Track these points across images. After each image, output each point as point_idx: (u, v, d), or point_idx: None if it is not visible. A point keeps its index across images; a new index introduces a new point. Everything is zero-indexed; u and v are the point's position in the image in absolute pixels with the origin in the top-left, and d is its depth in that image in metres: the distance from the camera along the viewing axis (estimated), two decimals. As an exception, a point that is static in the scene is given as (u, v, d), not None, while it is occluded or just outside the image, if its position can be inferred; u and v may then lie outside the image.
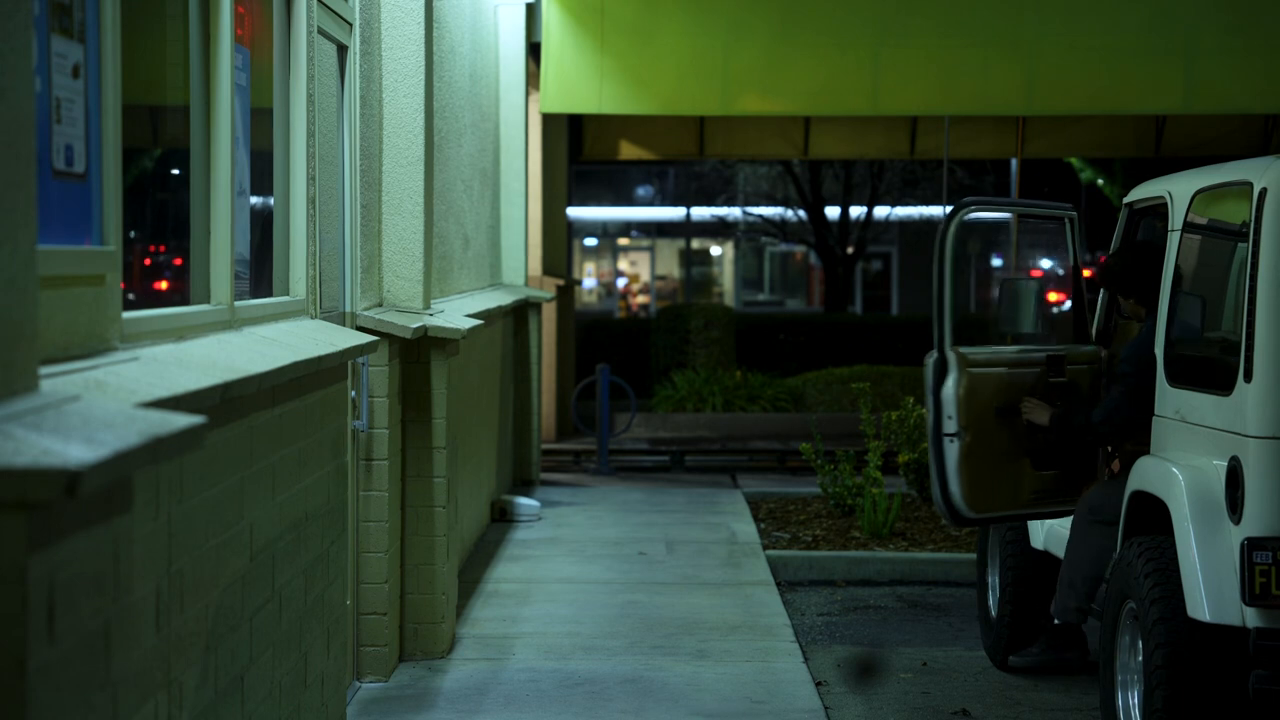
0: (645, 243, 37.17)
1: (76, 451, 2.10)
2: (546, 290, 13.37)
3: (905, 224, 31.34)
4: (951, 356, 5.91)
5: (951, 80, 11.14)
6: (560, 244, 15.81)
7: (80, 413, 2.34)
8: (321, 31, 5.49)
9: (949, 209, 6.26)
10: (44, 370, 2.59)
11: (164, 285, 4.37)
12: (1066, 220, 6.41)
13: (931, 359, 5.97)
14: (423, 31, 6.61)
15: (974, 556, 8.34)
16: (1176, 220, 5.62)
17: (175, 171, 4.29)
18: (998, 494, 6.00)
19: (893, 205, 27.24)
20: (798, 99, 11.55)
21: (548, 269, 14.31)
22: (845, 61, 11.12)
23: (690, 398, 15.76)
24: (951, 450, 5.86)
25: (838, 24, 11.14)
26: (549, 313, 14.08)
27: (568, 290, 15.55)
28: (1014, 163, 17.09)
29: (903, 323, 20.84)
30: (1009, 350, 6.21)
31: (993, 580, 7.10)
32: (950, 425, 5.86)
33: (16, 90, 2.29)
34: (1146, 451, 5.56)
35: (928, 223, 29.85)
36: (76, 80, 3.06)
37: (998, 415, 5.95)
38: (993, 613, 7.02)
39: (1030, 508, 6.12)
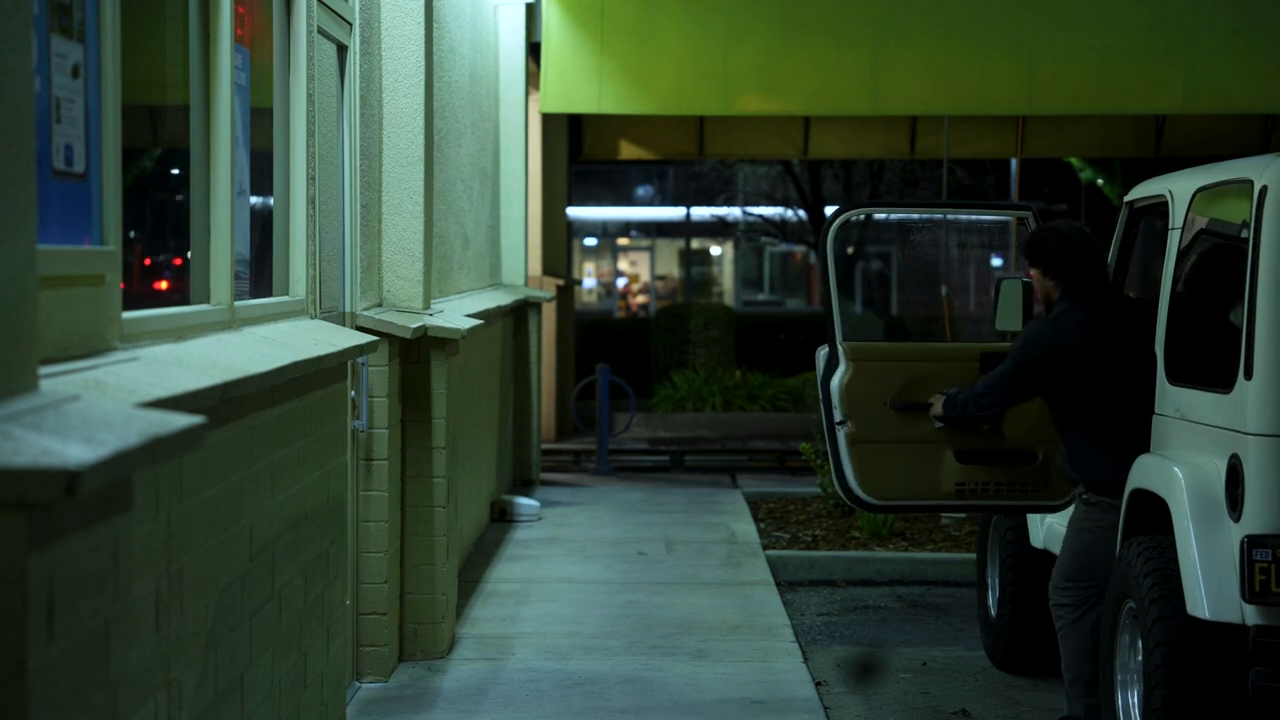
0: (645, 242, 37.18)
1: (76, 451, 2.10)
2: (546, 290, 13.37)
3: (905, 224, 31.33)
4: (841, 349, 6.16)
5: (951, 80, 11.14)
6: (560, 244, 15.81)
7: (80, 412, 2.33)
8: (321, 31, 5.49)
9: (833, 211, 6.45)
10: (44, 370, 2.59)
11: (164, 285, 4.37)
12: (1019, 221, 6.54)
13: (823, 352, 6.25)
14: (423, 31, 6.61)
15: (974, 556, 8.34)
16: (1177, 218, 5.62)
17: (175, 171, 4.29)
18: (899, 482, 6.17)
19: (893, 206, 27.22)
20: (797, 99, 11.55)
21: (547, 269, 14.31)
22: (845, 61, 11.12)
23: (690, 398, 15.76)
24: (841, 438, 6.12)
25: (837, 24, 11.14)
26: (549, 313, 14.08)
27: (567, 290, 15.55)
28: (1014, 162, 17.09)
29: (904, 321, 20.84)
30: (912, 345, 6.42)
31: (992, 580, 7.10)
32: (837, 414, 6.13)
33: (16, 90, 2.29)
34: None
35: (928, 223, 29.85)
36: (76, 80, 3.06)
37: (892, 407, 6.15)
38: (992, 612, 7.01)
39: (956, 499, 6.25)
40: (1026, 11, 11.06)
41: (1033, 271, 5.83)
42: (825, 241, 6.28)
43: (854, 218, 6.41)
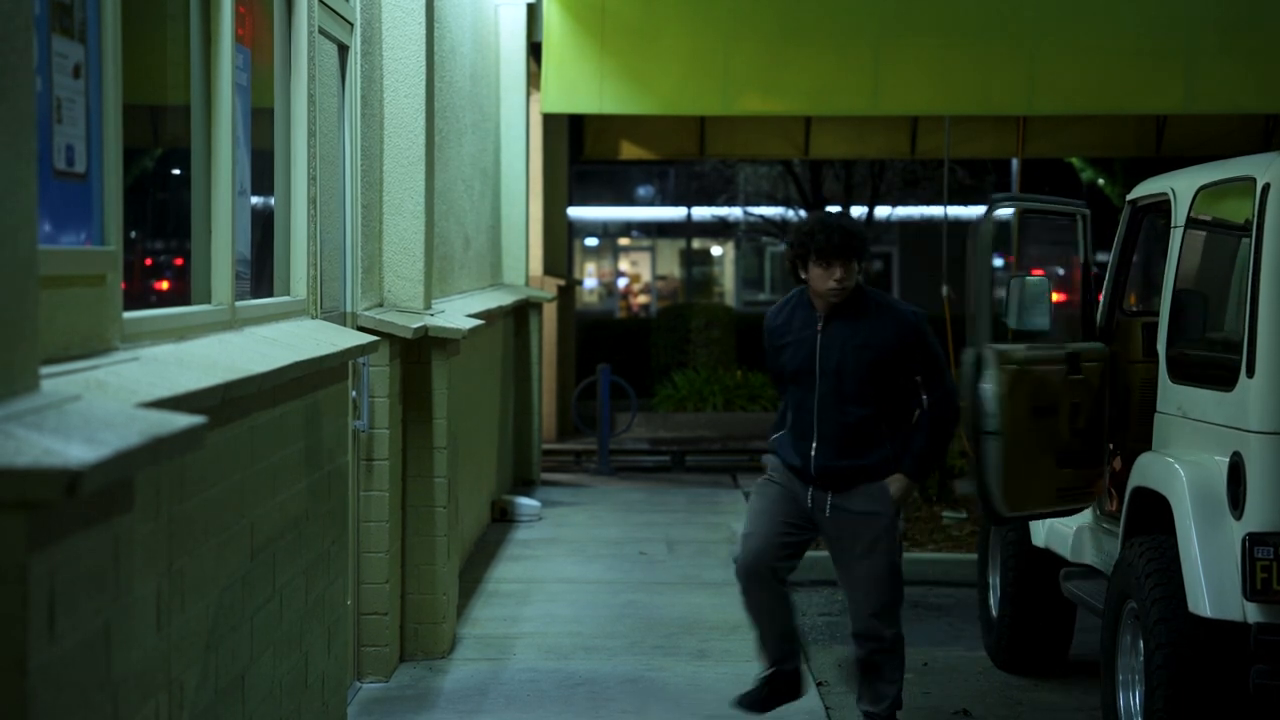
0: (646, 243, 37.17)
1: (77, 451, 2.09)
2: (547, 290, 13.37)
3: (906, 224, 31.33)
4: (989, 354, 5.76)
5: (952, 80, 11.14)
6: (561, 244, 15.81)
7: (81, 412, 2.33)
8: (322, 31, 5.49)
9: (985, 208, 6.18)
10: (45, 370, 2.59)
11: (165, 285, 4.37)
12: (1079, 217, 6.32)
13: (970, 355, 5.84)
14: (424, 31, 6.61)
15: (974, 556, 8.33)
16: (1179, 217, 5.62)
17: (176, 171, 4.29)
18: (1031, 492, 5.85)
19: (894, 205, 27.23)
20: (798, 99, 11.55)
21: (548, 269, 14.31)
22: (845, 61, 11.12)
23: (691, 397, 15.75)
24: (992, 449, 5.73)
25: (838, 24, 11.14)
26: (549, 313, 14.07)
27: (568, 290, 15.55)
28: (1015, 163, 17.09)
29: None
30: (1041, 348, 6.03)
31: (993, 580, 7.10)
32: (990, 424, 5.72)
33: (17, 90, 2.29)
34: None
35: (929, 223, 29.84)
36: (77, 80, 3.06)
37: (1033, 413, 5.82)
38: (993, 612, 7.01)
39: (1056, 505, 5.97)
40: (1027, 11, 11.06)
41: (852, 267, 5.29)
42: (979, 238, 5.97)
43: (1002, 216, 6.15)
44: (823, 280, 5.26)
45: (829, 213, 5.40)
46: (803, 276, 5.34)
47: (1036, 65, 11.03)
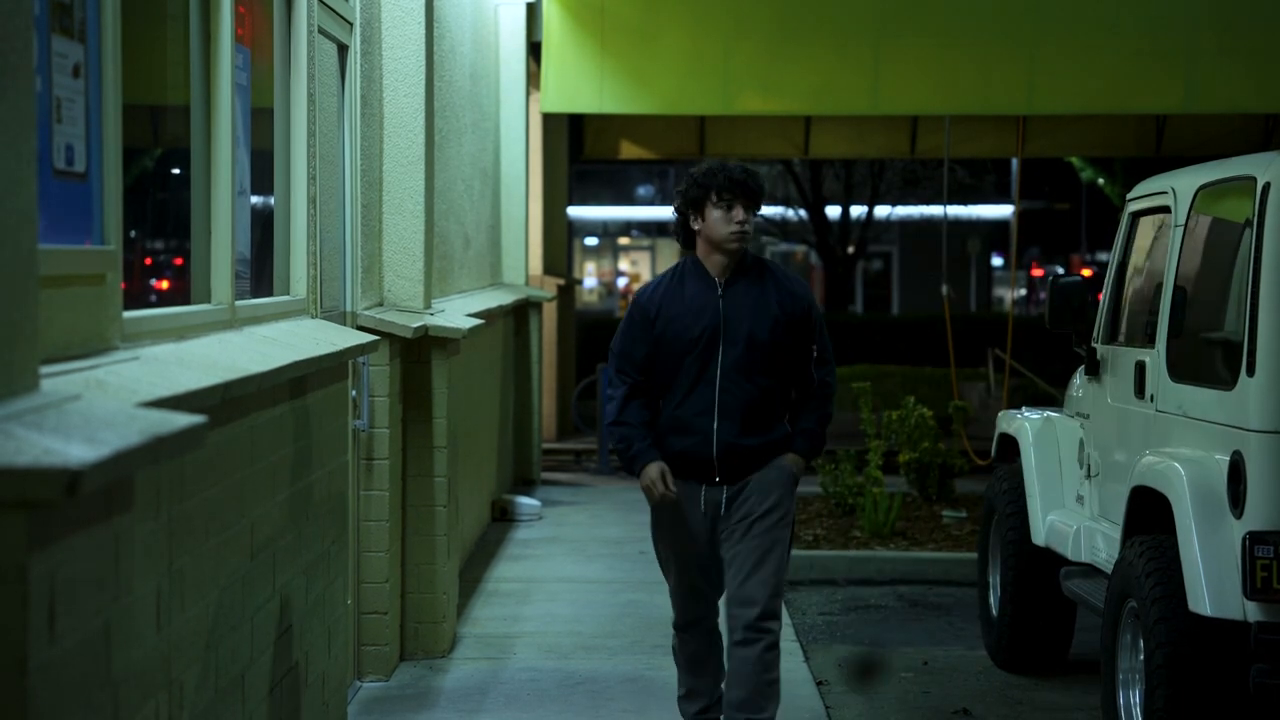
0: (646, 242, 37.17)
1: (77, 451, 2.09)
2: (547, 290, 13.37)
3: (906, 224, 31.33)
4: None
5: (951, 80, 11.14)
6: (560, 243, 15.81)
7: (81, 412, 2.33)
8: (322, 31, 5.49)
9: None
10: (45, 370, 2.59)
11: (165, 284, 4.37)
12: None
13: None
14: (423, 31, 6.61)
15: (975, 556, 8.34)
16: (1180, 216, 5.62)
17: (176, 171, 4.29)
18: None
19: (893, 205, 27.26)
20: (798, 98, 11.55)
21: (548, 268, 14.31)
22: (845, 61, 11.12)
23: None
24: None
25: (838, 23, 11.14)
26: (549, 312, 14.07)
27: (568, 290, 15.55)
28: (1015, 162, 17.08)
29: (904, 322, 20.84)
30: None
31: (994, 579, 7.10)
32: None
33: (17, 90, 2.29)
34: None
35: (929, 222, 29.83)
36: (77, 80, 3.06)
37: None
38: (994, 612, 7.01)
39: None
40: (1027, 11, 11.06)
41: (752, 212, 4.94)
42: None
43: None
44: (723, 224, 4.83)
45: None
46: (695, 228, 4.89)
47: (1036, 65, 11.03)
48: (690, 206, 4.91)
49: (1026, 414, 7.04)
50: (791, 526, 4.96)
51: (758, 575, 4.81)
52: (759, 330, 4.84)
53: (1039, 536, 6.63)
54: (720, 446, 4.85)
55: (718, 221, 4.85)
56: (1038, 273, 36.13)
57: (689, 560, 4.99)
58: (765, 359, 4.85)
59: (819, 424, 4.98)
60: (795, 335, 4.90)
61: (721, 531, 4.91)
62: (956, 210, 28.18)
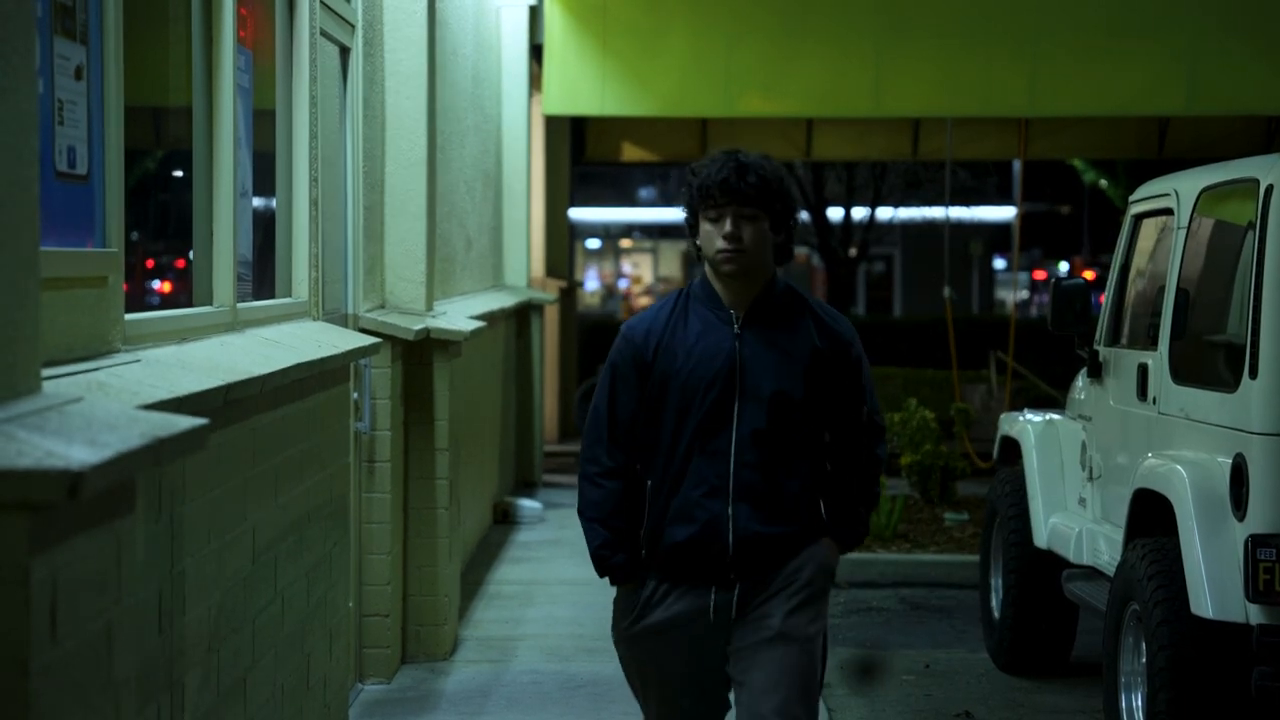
0: (648, 244, 37.18)
1: (79, 453, 2.09)
2: (549, 292, 13.37)
3: (908, 226, 31.34)
4: None
5: (953, 81, 11.14)
6: (562, 246, 15.81)
7: (83, 414, 2.33)
8: (324, 33, 5.49)
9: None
10: (46, 372, 2.59)
11: (166, 286, 4.37)
12: None
13: None
14: (425, 33, 6.61)
15: (977, 558, 8.34)
16: (1182, 218, 5.62)
17: (177, 173, 4.29)
18: None
19: (896, 206, 27.25)
20: (800, 100, 11.55)
21: (550, 271, 14.31)
22: (847, 63, 11.12)
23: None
24: None
25: (840, 25, 11.14)
26: (551, 314, 14.07)
27: (570, 292, 15.55)
28: (1016, 164, 17.08)
29: (906, 324, 20.83)
30: None
31: (995, 582, 7.09)
32: None
33: (19, 91, 2.29)
34: None
35: (931, 225, 29.85)
36: (79, 82, 3.06)
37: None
38: (995, 614, 7.00)
39: None
40: (1029, 13, 11.06)
41: (758, 224, 3.65)
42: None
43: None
44: (710, 239, 3.62)
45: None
46: (698, 244, 3.71)
47: (1038, 67, 11.03)
48: (690, 217, 3.72)
49: (1028, 416, 7.03)
50: (825, 638, 3.74)
51: (782, 700, 3.56)
52: (788, 384, 3.61)
53: (1041, 539, 6.63)
54: (737, 537, 3.60)
55: (707, 237, 3.63)
56: (1040, 275, 36.13)
57: (681, 684, 3.72)
58: (795, 422, 3.63)
59: (865, 507, 3.77)
60: (837, 392, 3.68)
61: (733, 644, 3.64)
62: (958, 212, 28.19)
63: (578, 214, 29.35)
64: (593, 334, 19.08)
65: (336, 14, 5.70)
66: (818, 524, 3.71)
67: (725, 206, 3.60)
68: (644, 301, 35.51)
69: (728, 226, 3.59)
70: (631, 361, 3.66)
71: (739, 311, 3.66)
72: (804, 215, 26.31)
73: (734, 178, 3.59)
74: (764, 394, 3.60)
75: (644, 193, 35.46)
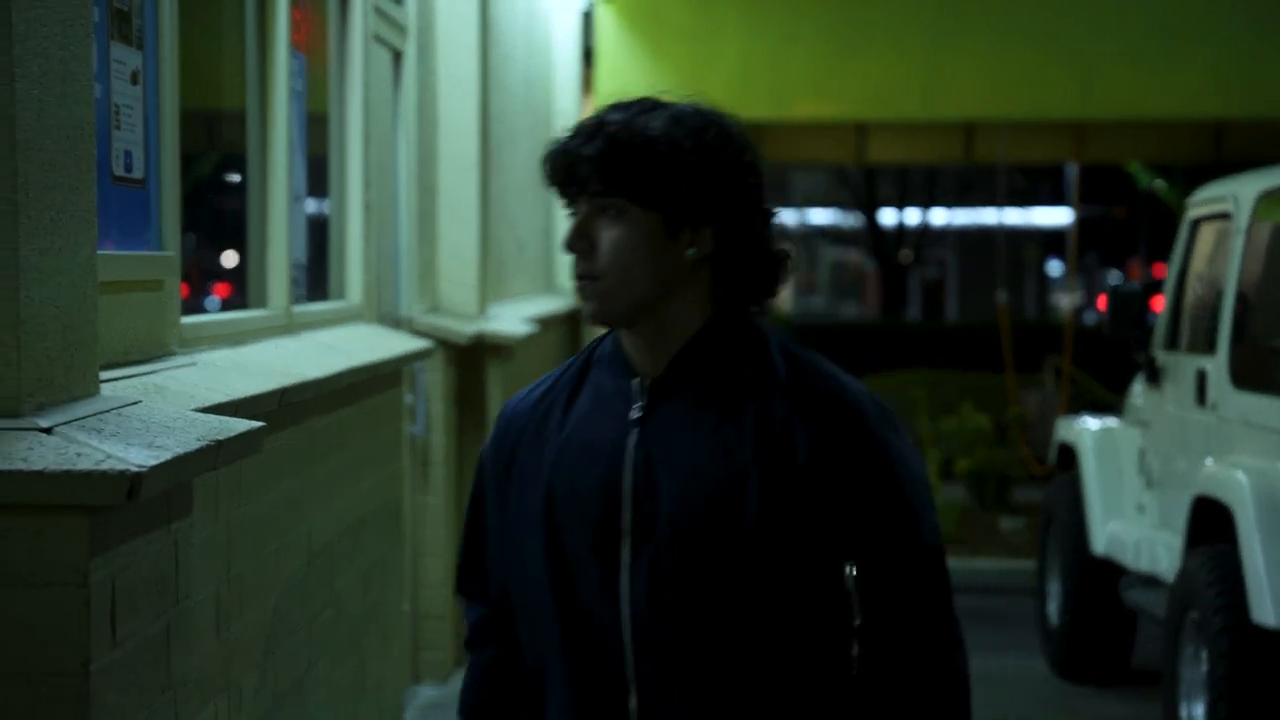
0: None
1: (137, 455, 2.10)
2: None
3: (963, 231, 31.17)
4: None
5: (1007, 84, 11.07)
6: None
7: (140, 417, 2.34)
8: (377, 38, 5.51)
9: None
10: (104, 375, 2.60)
11: (221, 290, 4.39)
12: None
13: None
14: (477, 38, 6.62)
15: (1033, 564, 8.27)
16: (1241, 222, 5.55)
17: (232, 177, 4.30)
18: None
19: (950, 208, 27.12)
20: (852, 103, 11.51)
21: (602, 275, 14.31)
22: (900, 66, 11.07)
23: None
24: None
25: (892, 29, 11.09)
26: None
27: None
28: (1071, 168, 16.96)
29: (960, 329, 20.72)
30: None
31: (1052, 588, 7.03)
32: None
33: (76, 97, 2.30)
34: None
35: (984, 229, 29.68)
36: (135, 86, 3.07)
37: None
38: (1053, 621, 6.94)
39: None
40: (1082, 15, 10.98)
41: (631, 217, 1.97)
42: None
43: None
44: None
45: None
46: None
47: (1092, 69, 10.95)
48: None
49: (1086, 422, 6.97)
50: None
51: None
52: (713, 507, 1.90)
53: (1099, 545, 6.56)
54: None
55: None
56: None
57: None
58: (732, 589, 1.91)
59: None
60: (821, 527, 1.91)
61: None
62: (1013, 216, 28.02)
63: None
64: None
65: (389, 18, 5.72)
66: None
67: (572, 200, 1.98)
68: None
69: (575, 224, 1.98)
70: (493, 464, 2.09)
71: (647, 382, 1.96)
72: (857, 219, 26.17)
73: (571, 145, 1.97)
74: (664, 525, 1.90)
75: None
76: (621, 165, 1.93)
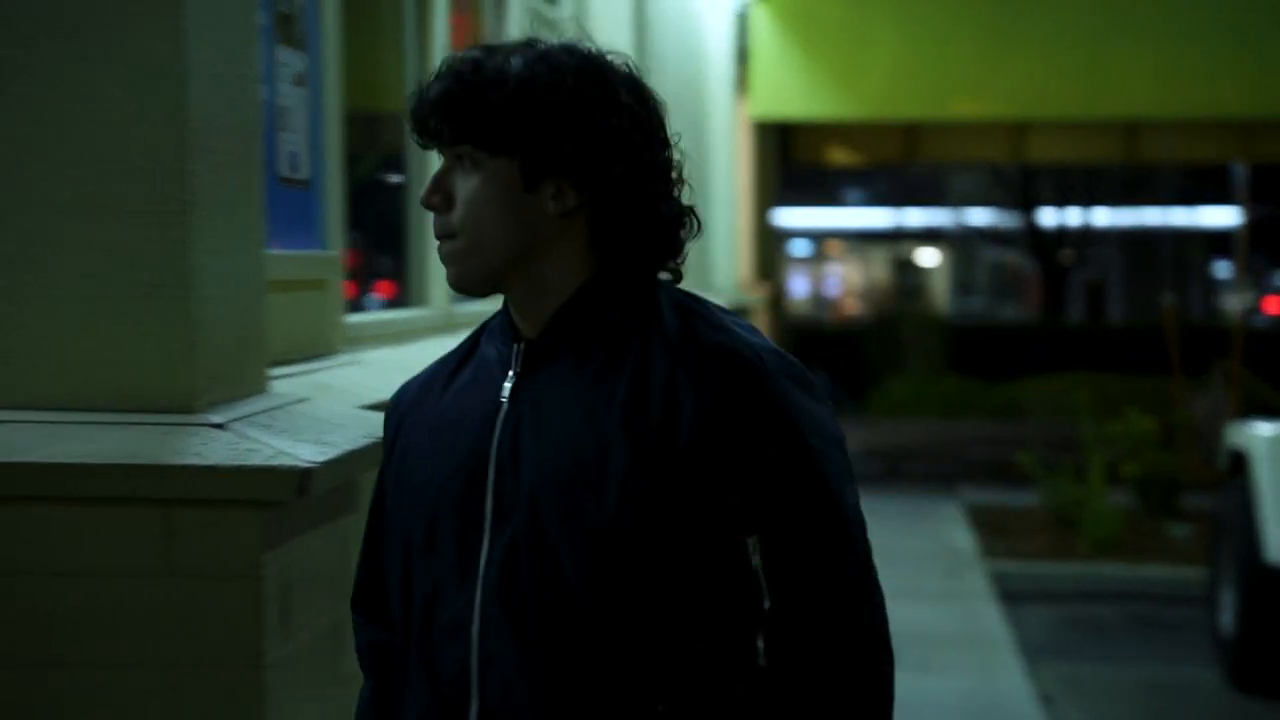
0: (855, 249, 36.88)
1: (307, 451, 2.11)
2: (756, 295, 13.31)
3: (1126, 232, 30.51)
4: None
5: (1171, 81, 10.80)
6: (769, 249, 15.74)
7: (308, 414, 2.36)
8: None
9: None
10: (272, 373, 2.63)
11: (383, 289, 4.44)
12: None
13: None
14: (632, 38, 6.62)
15: (1202, 572, 8.03)
16: None
17: (393, 176, 4.34)
18: None
19: (1113, 207, 26.53)
20: (1010, 102, 11.32)
21: (756, 273, 14.26)
22: (1059, 64, 10.86)
23: (905, 405, 15.55)
24: None
25: (1052, 24, 10.88)
26: (759, 319, 14.01)
27: (777, 295, 15.47)
28: (1237, 167, 16.49)
29: (1124, 330, 20.26)
30: None
31: (1224, 597, 6.82)
32: None
33: (243, 100, 2.32)
34: None
35: (1148, 230, 29.01)
36: (300, 88, 3.10)
37: None
38: (1226, 631, 6.73)
39: None
40: (1251, 8, 10.65)
41: (483, 176, 1.71)
42: None
43: None
44: None
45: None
46: None
47: (1263, 65, 10.62)
48: None
49: (1258, 427, 6.76)
50: None
51: None
52: (578, 485, 1.64)
53: (1272, 554, 6.35)
54: None
55: None
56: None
57: None
58: (593, 573, 1.63)
59: None
60: (711, 500, 1.63)
61: None
62: (1178, 217, 27.36)
63: (782, 218, 29.30)
64: (802, 339, 18.96)
65: (545, 19, 5.74)
66: None
67: (430, 141, 1.75)
68: (853, 307, 35.20)
69: (429, 181, 1.76)
70: (385, 456, 1.85)
71: (519, 351, 1.74)
72: (1016, 219, 25.72)
73: (422, 90, 1.74)
74: (522, 502, 1.66)
75: (850, 196, 35.19)
76: (464, 108, 1.70)
